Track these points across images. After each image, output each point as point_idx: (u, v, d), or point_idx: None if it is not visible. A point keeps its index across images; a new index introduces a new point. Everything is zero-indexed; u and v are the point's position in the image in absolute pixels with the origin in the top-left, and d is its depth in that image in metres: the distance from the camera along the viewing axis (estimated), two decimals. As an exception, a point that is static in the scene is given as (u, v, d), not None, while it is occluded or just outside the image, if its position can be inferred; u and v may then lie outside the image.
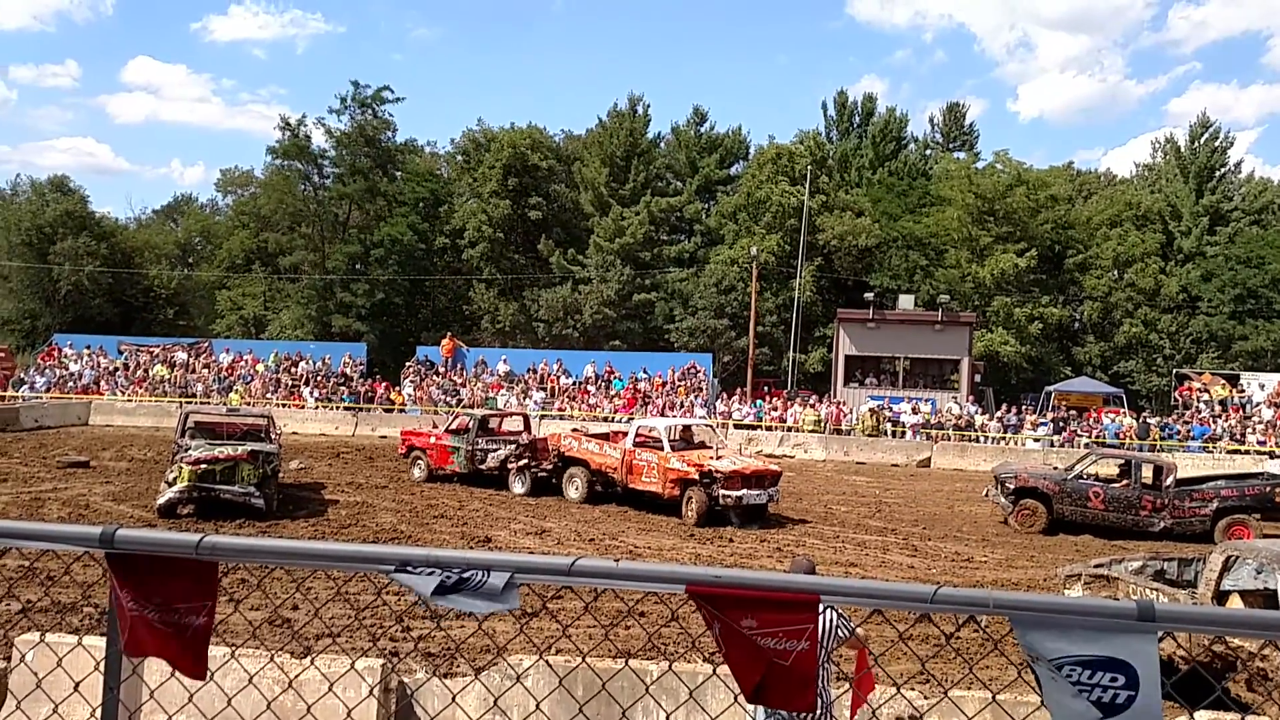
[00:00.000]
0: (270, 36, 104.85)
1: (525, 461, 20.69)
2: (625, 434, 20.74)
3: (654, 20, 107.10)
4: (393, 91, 53.07)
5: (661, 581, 1.90)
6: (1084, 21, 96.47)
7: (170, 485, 16.27)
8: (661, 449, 18.83)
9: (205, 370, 39.55)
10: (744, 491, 17.68)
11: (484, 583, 1.88)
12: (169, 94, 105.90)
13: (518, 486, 20.66)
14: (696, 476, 17.88)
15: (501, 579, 1.88)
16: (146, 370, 39.24)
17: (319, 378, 38.70)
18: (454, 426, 22.68)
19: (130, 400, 36.31)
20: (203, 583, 2.00)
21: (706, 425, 22.31)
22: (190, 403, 32.97)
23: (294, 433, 31.41)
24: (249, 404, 34.29)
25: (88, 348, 41.04)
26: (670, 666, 6.51)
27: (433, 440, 22.27)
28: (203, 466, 16.20)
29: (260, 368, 39.72)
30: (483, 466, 21.26)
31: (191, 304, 58.81)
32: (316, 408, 36.14)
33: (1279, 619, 1.87)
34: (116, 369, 39.25)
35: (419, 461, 22.36)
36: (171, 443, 19.47)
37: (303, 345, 43.22)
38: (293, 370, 39.59)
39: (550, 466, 20.52)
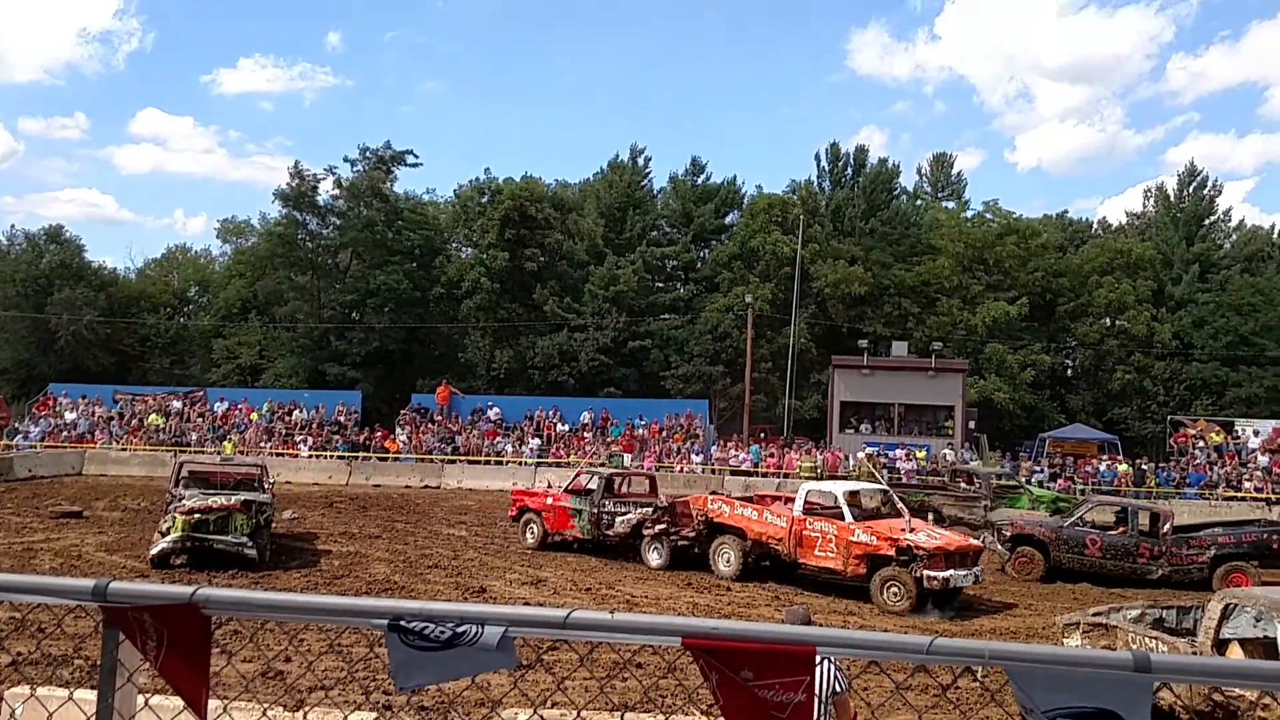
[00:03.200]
0: (278, 89, 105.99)
1: (663, 527, 18.27)
2: (777, 498, 18.82)
3: (656, 72, 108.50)
4: (416, 156, 54.14)
5: (657, 634, 1.89)
6: (1084, 72, 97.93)
7: (164, 535, 16.16)
8: (841, 517, 16.20)
9: (200, 419, 39.46)
10: (950, 572, 14.95)
11: (478, 637, 1.87)
12: (175, 145, 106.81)
13: (653, 557, 18.31)
14: (892, 553, 15.27)
15: (496, 633, 1.87)
16: (141, 419, 39.13)
17: (313, 426, 38.60)
18: (574, 486, 20.33)
19: (125, 450, 36.16)
20: (197, 635, 1.99)
21: (882, 490, 19.28)
22: (184, 452, 32.85)
23: (287, 482, 31.25)
24: (243, 453, 34.15)
25: (83, 397, 40.96)
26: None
27: (549, 501, 20.12)
28: (196, 516, 16.09)
29: (255, 416, 39.63)
30: (610, 532, 19.13)
31: (187, 353, 58.75)
32: (311, 457, 36.01)
33: (1276, 669, 1.87)
34: (111, 418, 39.14)
35: (531, 525, 20.27)
36: (165, 492, 19.37)
37: (297, 394, 43.15)
38: (287, 419, 39.50)
39: (693, 534, 18.00)
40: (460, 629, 1.88)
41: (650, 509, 18.80)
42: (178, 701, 2.09)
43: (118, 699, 2.08)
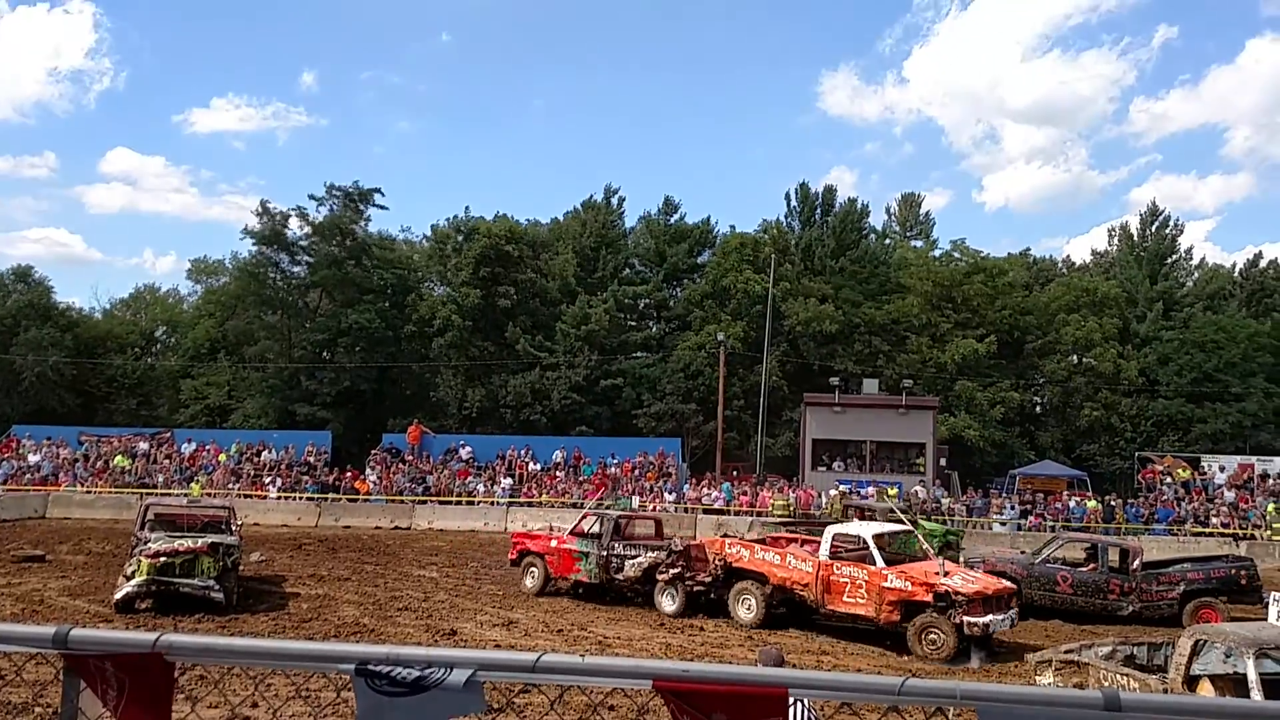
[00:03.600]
0: (251, 128, 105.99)
1: (678, 572, 17.41)
2: (792, 540, 18.20)
3: (630, 113, 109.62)
4: (383, 194, 54.17)
5: (628, 677, 1.88)
6: (1049, 114, 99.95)
7: (129, 579, 15.90)
8: (870, 561, 15.66)
9: (167, 461, 38.94)
10: (990, 617, 14.42)
11: (444, 679, 1.85)
12: (146, 185, 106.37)
13: (667, 603, 17.48)
14: (929, 599, 14.72)
15: (464, 675, 1.85)
16: (107, 461, 38.56)
17: (282, 467, 38.19)
18: (578, 528, 19.59)
19: (90, 492, 35.59)
20: (159, 682, 1.95)
21: (906, 530, 18.38)
22: (151, 494, 32.36)
23: (255, 524, 30.87)
24: (210, 495, 33.70)
25: (48, 439, 40.35)
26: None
27: (553, 544, 19.34)
28: (162, 559, 15.86)
29: (223, 458, 39.15)
30: (619, 576, 18.28)
31: (155, 393, 58.08)
32: (279, 498, 35.59)
33: (1246, 707, 1.88)
34: (76, 460, 38.54)
35: (533, 569, 19.50)
36: (131, 535, 19.07)
37: (266, 434, 42.71)
38: (256, 460, 39.07)
39: (709, 579, 17.27)
40: (427, 670, 1.85)
41: (663, 552, 17.94)
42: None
43: (77, 749, 2.03)
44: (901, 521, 19.25)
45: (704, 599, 17.48)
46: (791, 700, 1.83)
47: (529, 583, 19.38)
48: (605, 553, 18.56)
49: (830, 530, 17.21)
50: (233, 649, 2.03)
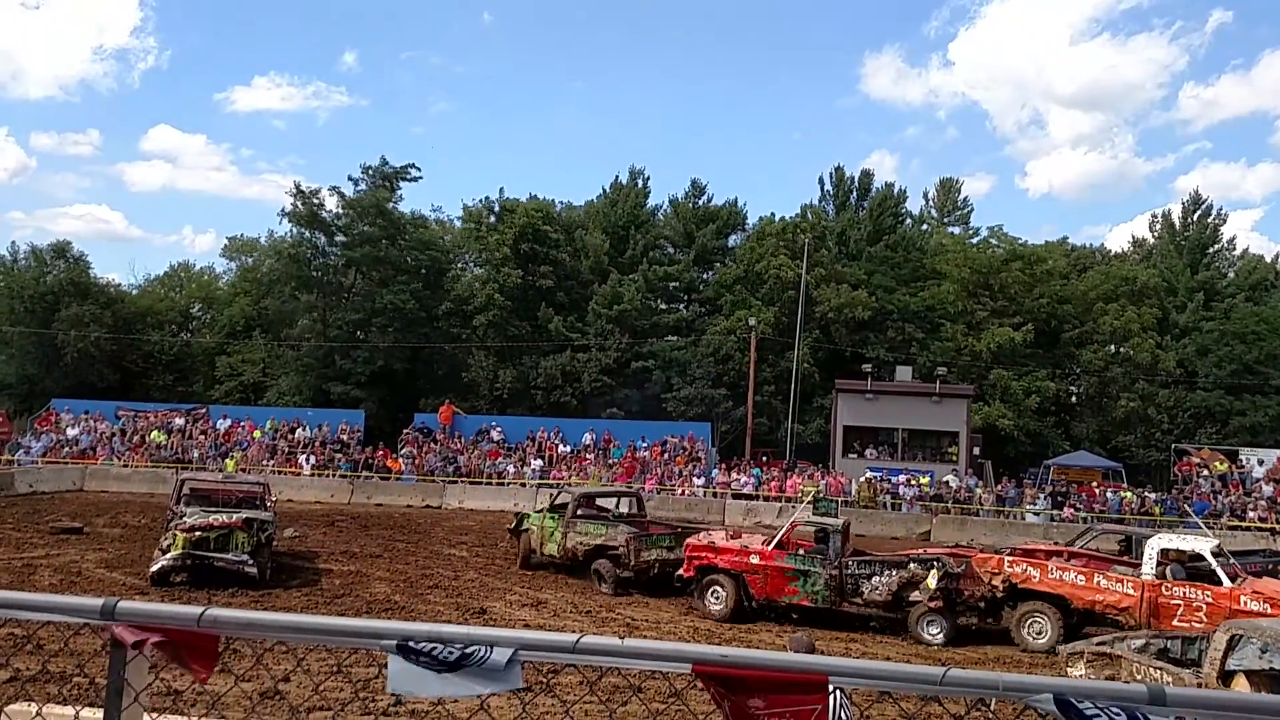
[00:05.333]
0: (292, 108, 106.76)
1: (943, 595, 15.06)
2: (1059, 553, 16.26)
3: (665, 96, 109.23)
4: (418, 169, 54.43)
5: (668, 660, 1.88)
6: (1097, 100, 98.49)
7: (164, 552, 16.15)
8: (1213, 580, 13.81)
9: (202, 436, 39.45)
10: None
11: (487, 658, 1.86)
12: (187, 162, 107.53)
13: (931, 632, 15.09)
14: None
15: (505, 655, 1.86)
16: (143, 436, 39.13)
17: (316, 445, 38.58)
18: (786, 538, 16.54)
19: (126, 466, 36.14)
20: (203, 654, 1.98)
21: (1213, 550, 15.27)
22: (186, 469, 32.82)
23: (289, 500, 31.23)
24: (245, 471, 34.13)
25: (86, 413, 40.99)
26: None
27: (755, 561, 16.01)
28: (197, 534, 16.09)
29: (257, 434, 39.62)
30: (858, 599, 15.62)
31: (191, 370, 58.76)
32: (313, 475, 35.97)
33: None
34: (113, 435, 39.13)
35: (718, 589, 16.13)
36: (166, 509, 19.36)
37: (300, 412, 43.14)
38: (290, 437, 39.49)
39: (983, 603, 15.21)
40: (469, 650, 1.86)
41: (911, 568, 15.41)
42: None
43: (125, 717, 2.07)
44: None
45: (975, 625, 15.49)
46: (831, 689, 1.82)
47: (713, 605, 16.08)
48: (836, 571, 15.66)
49: (1154, 545, 14.80)
50: (276, 624, 2.05)
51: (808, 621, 15.75)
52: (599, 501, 19.98)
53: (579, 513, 19.14)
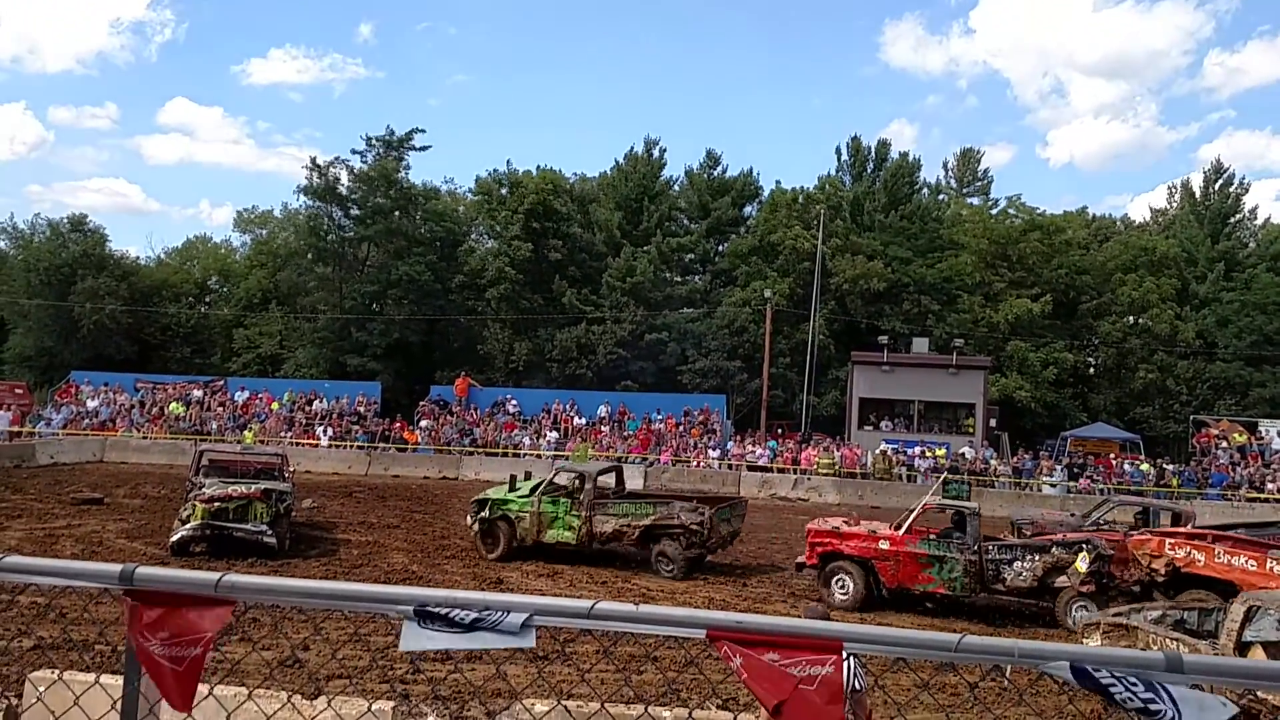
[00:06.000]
0: (308, 80, 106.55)
1: (1096, 580, 14.07)
2: (1204, 535, 14.62)
3: (685, 66, 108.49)
4: (423, 132, 53.93)
5: (683, 626, 1.88)
6: (1120, 68, 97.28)
7: (184, 523, 16.30)
8: None
9: (220, 408, 39.71)
10: None
11: (501, 621, 1.86)
12: (204, 135, 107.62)
13: (1081, 619, 13.20)
14: None
15: (519, 619, 1.86)
16: (162, 408, 39.41)
17: (333, 417, 38.78)
18: (918, 523, 15.35)
19: (145, 438, 36.42)
20: (211, 619, 1.99)
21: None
22: (205, 441, 33.06)
23: (307, 471, 31.44)
24: (263, 442, 34.35)
25: (105, 385, 41.29)
26: (690, 715, 6.42)
27: (885, 547, 14.93)
28: (216, 504, 16.23)
29: (275, 406, 39.85)
30: (999, 586, 14.63)
31: (208, 342, 59.12)
32: (330, 446, 36.19)
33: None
34: (133, 406, 39.43)
35: (844, 579, 15.08)
36: (185, 480, 19.52)
37: (317, 384, 43.37)
38: (307, 409, 39.72)
39: (1138, 589, 14.14)
40: (484, 614, 1.87)
41: (1055, 552, 14.42)
42: (203, 687, 2.09)
43: (144, 684, 2.09)
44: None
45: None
46: (845, 655, 1.82)
47: (838, 594, 15.04)
48: (975, 556, 14.62)
49: None
50: (293, 590, 2.06)
51: (942, 612, 14.95)
52: (601, 480, 18.27)
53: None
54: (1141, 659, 1.75)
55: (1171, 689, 1.66)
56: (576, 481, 17.83)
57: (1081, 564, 14.15)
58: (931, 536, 15.12)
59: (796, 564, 15.99)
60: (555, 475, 18.46)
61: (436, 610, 1.89)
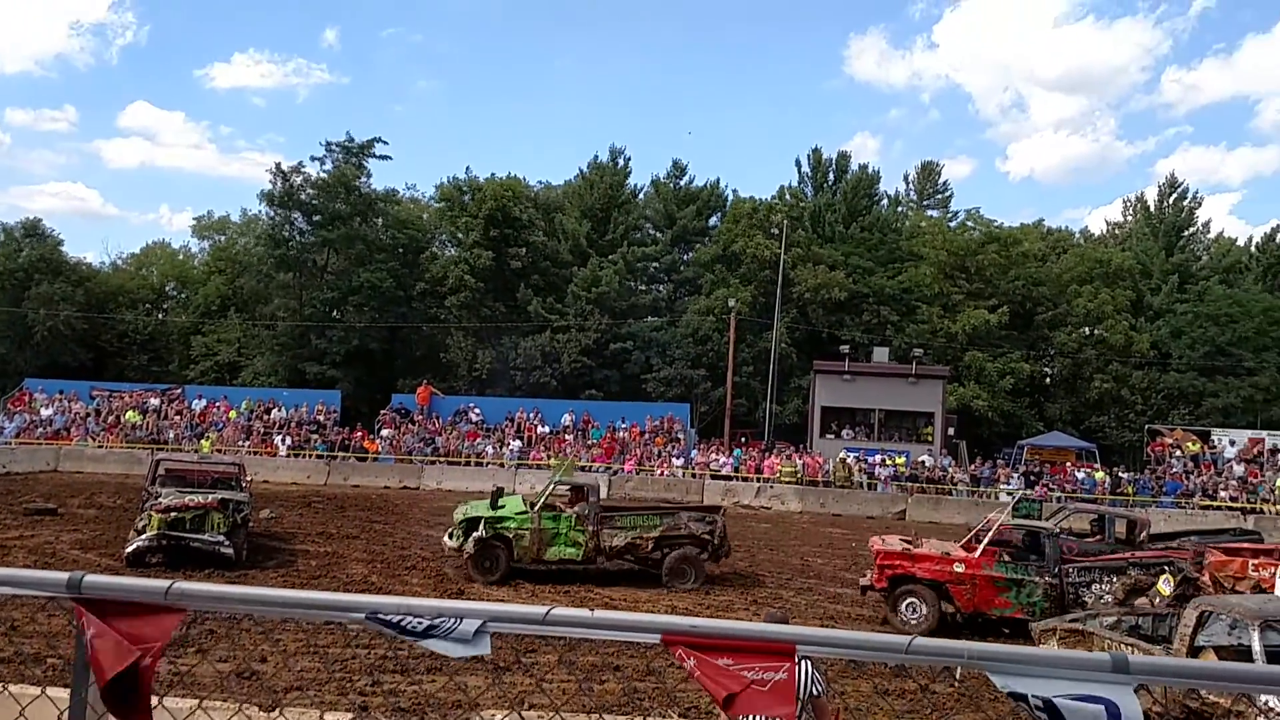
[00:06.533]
0: (272, 85, 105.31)
1: (1181, 600, 12.78)
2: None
3: (653, 76, 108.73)
4: (385, 143, 53.31)
5: (637, 631, 1.88)
6: (1080, 83, 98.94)
7: (139, 533, 16.08)
8: None
9: (178, 417, 39.15)
10: None
11: (454, 629, 1.86)
12: (165, 140, 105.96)
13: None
14: None
15: (473, 626, 1.86)
16: (118, 416, 38.78)
17: (292, 425, 38.37)
18: (991, 536, 14.82)
19: (101, 447, 35.83)
20: (160, 627, 1.97)
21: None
22: (162, 450, 32.58)
23: (265, 481, 31.08)
24: (221, 452, 33.93)
25: (60, 393, 40.58)
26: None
27: (959, 570, 14.29)
28: (172, 514, 16.02)
29: (233, 415, 39.36)
30: (1078, 611, 13.40)
31: (165, 349, 58.27)
32: (289, 456, 35.79)
33: (1250, 672, 1.88)
34: (88, 415, 38.77)
35: (915, 602, 14.48)
36: (141, 490, 19.24)
37: (276, 392, 42.89)
38: (265, 418, 39.26)
39: None
40: (437, 621, 1.87)
41: (1134, 572, 13.84)
42: (153, 698, 2.06)
43: (91, 695, 2.05)
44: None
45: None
46: (799, 659, 1.83)
47: (910, 618, 14.41)
48: (1055, 579, 14.07)
49: None
50: (244, 598, 2.04)
51: (1017, 636, 13.50)
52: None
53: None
54: (1089, 660, 1.78)
55: (1070, 707, 1.68)
56: (591, 496, 17.29)
57: (1165, 586, 13.55)
58: (1007, 559, 14.61)
59: (862, 586, 15.26)
60: (549, 488, 17.76)
61: (389, 618, 1.88)
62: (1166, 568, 14.04)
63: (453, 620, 1.87)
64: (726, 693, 1.77)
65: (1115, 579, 14.00)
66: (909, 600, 14.47)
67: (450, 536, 16.98)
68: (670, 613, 14.82)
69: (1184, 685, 1.79)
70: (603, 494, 20.51)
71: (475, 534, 16.46)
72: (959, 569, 14.26)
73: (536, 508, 16.99)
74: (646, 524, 16.92)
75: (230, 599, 2.04)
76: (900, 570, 14.48)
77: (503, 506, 16.98)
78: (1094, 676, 1.73)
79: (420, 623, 1.86)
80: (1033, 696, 1.71)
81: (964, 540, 15.53)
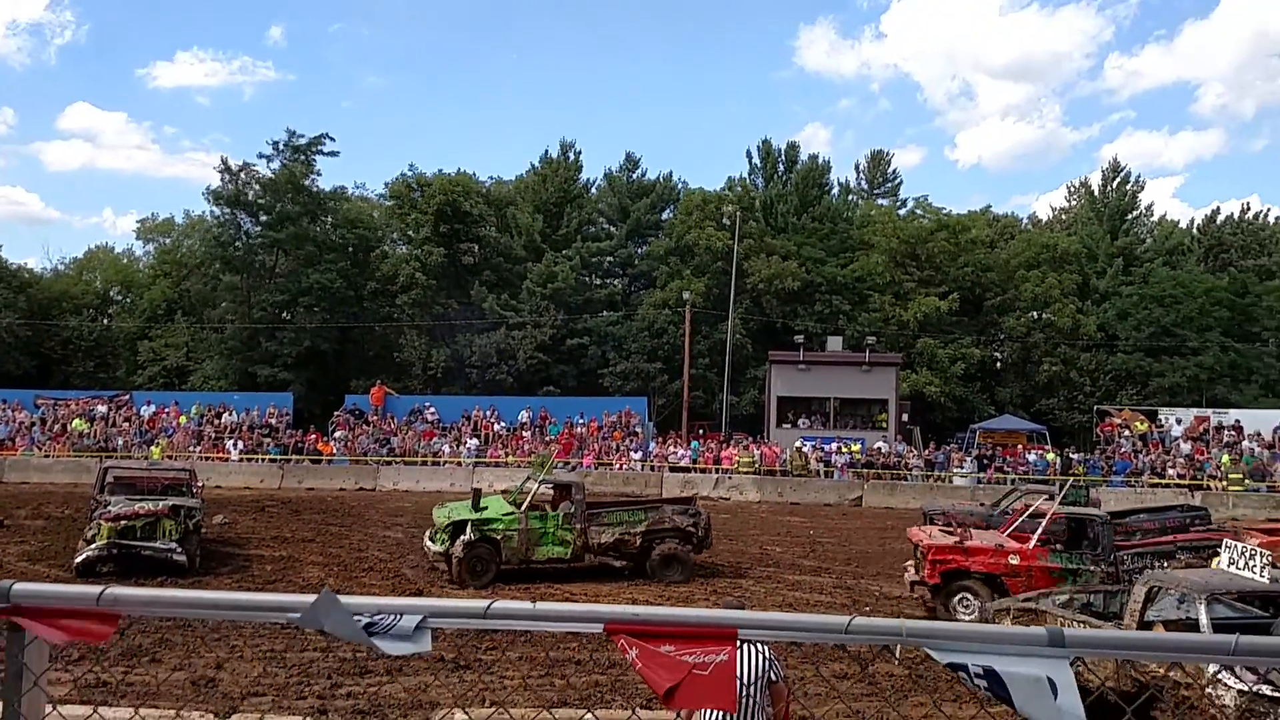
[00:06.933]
0: (217, 84, 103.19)
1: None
2: None
3: (604, 70, 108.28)
4: (333, 140, 52.35)
5: (580, 621, 1.88)
6: (1025, 71, 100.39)
7: (89, 543, 15.79)
8: None
9: (126, 424, 38.46)
10: None
11: (394, 625, 1.84)
12: (106, 141, 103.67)
13: None
14: None
15: (413, 621, 1.84)
16: (64, 425, 38.02)
17: (244, 429, 37.86)
18: (1046, 525, 14.49)
19: (47, 456, 35.11)
20: (96, 635, 1.93)
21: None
22: (110, 457, 31.99)
23: (218, 486, 30.64)
24: (171, 457, 33.38)
25: (3, 402, 39.65)
26: (590, 714, 6.44)
27: (1014, 562, 14.04)
28: (122, 523, 15.75)
29: (183, 420, 38.75)
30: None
31: (112, 355, 57.19)
32: (241, 460, 35.33)
33: (1184, 641, 1.91)
34: (33, 424, 37.97)
35: (968, 598, 14.09)
36: (90, 499, 18.88)
37: (227, 396, 42.31)
38: (216, 422, 38.70)
39: None
40: (376, 617, 1.84)
41: (1182, 556, 13.50)
42: (87, 709, 2.02)
43: (25, 704, 2.01)
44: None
45: None
46: (758, 647, 1.84)
47: (964, 615, 14.03)
48: (1112, 568, 13.91)
49: None
50: (178, 601, 2.01)
51: None
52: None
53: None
54: (1025, 635, 1.80)
55: (1010, 673, 1.71)
56: (577, 493, 17.20)
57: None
58: (1060, 548, 14.44)
59: (910, 582, 14.94)
60: (536, 487, 17.42)
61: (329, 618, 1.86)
62: (1218, 550, 13.91)
63: (393, 617, 1.85)
64: (668, 684, 1.77)
65: (1166, 564, 13.76)
66: (962, 595, 14.18)
67: (434, 540, 16.62)
68: (632, 604, 14.88)
69: (1118, 656, 1.84)
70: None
71: (463, 537, 16.10)
72: (1014, 561, 14.01)
73: (523, 507, 16.76)
74: (632, 519, 16.98)
75: (164, 602, 2.00)
76: (954, 565, 14.16)
77: (485, 508, 16.66)
78: (1031, 651, 1.75)
79: (359, 619, 1.84)
80: (973, 665, 1.74)
81: (1006, 529, 15.37)
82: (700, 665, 1.77)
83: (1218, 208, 64.39)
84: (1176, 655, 1.83)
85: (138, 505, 16.35)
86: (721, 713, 4.36)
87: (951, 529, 16.09)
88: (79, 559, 15.74)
